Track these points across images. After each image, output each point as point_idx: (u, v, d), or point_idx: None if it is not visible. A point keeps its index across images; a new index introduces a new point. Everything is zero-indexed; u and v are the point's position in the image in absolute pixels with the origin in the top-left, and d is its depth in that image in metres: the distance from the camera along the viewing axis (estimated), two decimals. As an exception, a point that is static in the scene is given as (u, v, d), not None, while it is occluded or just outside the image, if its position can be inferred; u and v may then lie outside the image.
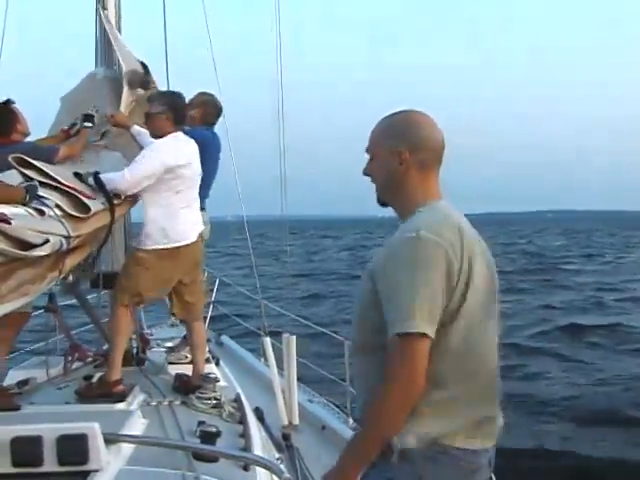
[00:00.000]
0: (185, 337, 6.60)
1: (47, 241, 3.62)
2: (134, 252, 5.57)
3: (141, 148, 5.63)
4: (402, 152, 2.74)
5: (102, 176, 5.20)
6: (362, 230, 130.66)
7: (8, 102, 5.63)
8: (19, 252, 3.27)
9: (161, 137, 5.51)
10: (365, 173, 2.91)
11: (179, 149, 5.48)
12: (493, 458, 2.82)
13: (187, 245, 5.52)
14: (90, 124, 5.74)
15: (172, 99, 5.66)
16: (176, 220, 5.45)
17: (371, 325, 2.67)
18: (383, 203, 2.90)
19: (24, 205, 4.01)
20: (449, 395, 2.62)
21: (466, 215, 2.85)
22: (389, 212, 2.94)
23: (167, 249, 5.43)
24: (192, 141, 5.64)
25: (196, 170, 5.61)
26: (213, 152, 6.54)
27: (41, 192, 4.23)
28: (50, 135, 5.98)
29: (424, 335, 2.47)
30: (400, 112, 2.83)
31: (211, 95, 6.90)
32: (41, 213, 3.93)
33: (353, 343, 2.90)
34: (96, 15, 6.62)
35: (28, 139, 5.65)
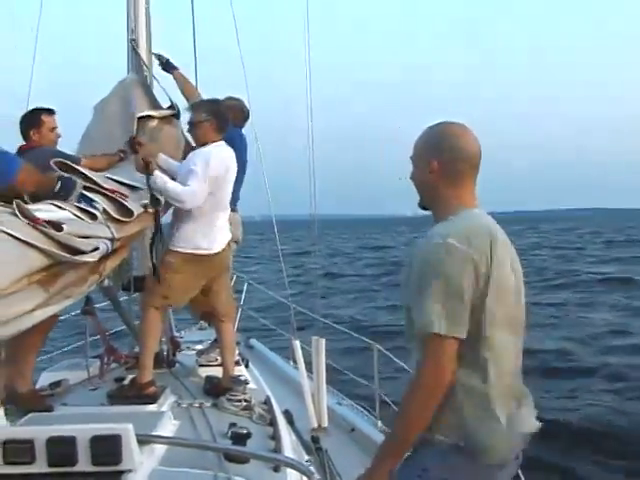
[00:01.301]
0: (215, 340, 6.66)
1: (96, 248, 3.68)
2: (164, 255, 5.62)
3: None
4: (431, 162, 2.90)
5: (170, 184, 5.28)
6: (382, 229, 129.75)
7: (35, 111, 5.70)
8: (69, 256, 3.32)
9: (204, 145, 5.56)
10: (411, 178, 3.07)
11: (225, 159, 5.55)
12: (520, 452, 2.93)
13: (217, 253, 5.59)
14: (123, 155, 5.75)
15: (215, 107, 5.70)
16: (210, 227, 5.51)
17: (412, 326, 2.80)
18: (423, 207, 3.07)
19: (55, 195, 4.05)
20: (482, 392, 2.74)
21: (498, 214, 2.97)
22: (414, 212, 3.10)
23: (197, 255, 5.48)
24: (230, 148, 5.69)
25: (233, 177, 5.67)
26: (242, 154, 6.57)
27: (90, 195, 4.27)
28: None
29: (450, 337, 2.64)
30: (439, 124, 2.98)
31: (238, 100, 6.95)
32: (93, 217, 3.97)
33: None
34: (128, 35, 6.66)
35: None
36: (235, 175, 5.71)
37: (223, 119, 5.67)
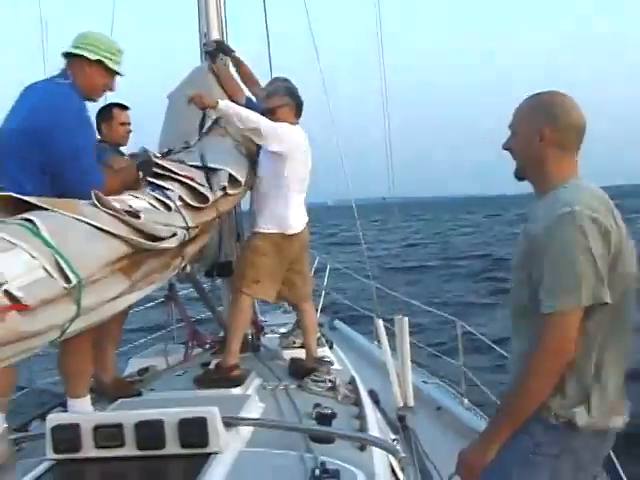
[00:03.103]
0: (297, 322, 6.71)
1: (174, 234, 3.72)
2: (250, 239, 5.69)
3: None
4: (543, 129, 2.86)
5: (241, 108, 5.40)
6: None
7: (109, 104, 5.77)
8: (149, 243, 3.37)
9: None
10: (505, 147, 3.05)
11: (294, 136, 5.56)
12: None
13: (299, 233, 5.62)
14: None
15: (293, 92, 5.72)
16: (291, 207, 5.55)
17: (527, 291, 2.80)
18: (520, 177, 3.04)
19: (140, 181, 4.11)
20: (603, 367, 2.76)
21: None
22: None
23: (282, 234, 5.52)
24: (303, 132, 5.70)
25: (304, 158, 5.66)
26: None
27: (164, 184, 4.31)
28: None
29: (579, 307, 2.62)
30: (545, 92, 2.96)
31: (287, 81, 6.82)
32: (167, 207, 4.02)
33: (511, 306, 3.02)
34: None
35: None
36: (310, 159, 5.72)
37: (299, 104, 5.72)
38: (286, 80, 5.92)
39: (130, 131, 5.85)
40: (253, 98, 6.27)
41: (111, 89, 4.47)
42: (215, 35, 6.57)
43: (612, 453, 3.56)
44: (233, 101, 5.96)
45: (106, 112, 5.70)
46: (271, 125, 5.37)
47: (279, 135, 5.39)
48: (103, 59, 4.28)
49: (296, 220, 5.62)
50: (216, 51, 6.39)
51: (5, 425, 4.00)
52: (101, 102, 5.32)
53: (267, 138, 5.35)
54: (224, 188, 4.89)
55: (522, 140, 2.95)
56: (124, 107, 5.83)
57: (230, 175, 5.06)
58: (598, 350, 2.73)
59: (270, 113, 5.65)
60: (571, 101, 2.91)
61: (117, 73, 4.40)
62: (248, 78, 6.42)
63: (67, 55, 4.34)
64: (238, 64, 6.46)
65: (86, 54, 4.27)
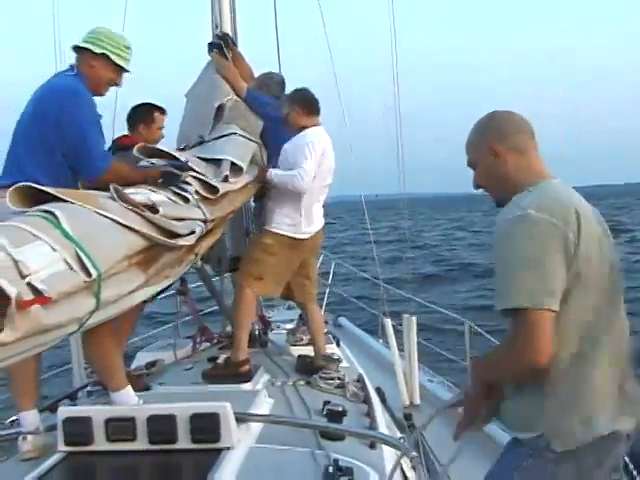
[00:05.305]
0: (301, 317, 6.71)
1: (193, 232, 3.71)
2: (261, 236, 5.66)
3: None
4: (493, 147, 2.81)
5: (276, 173, 5.42)
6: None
7: (150, 105, 5.68)
8: (168, 240, 3.36)
9: (300, 131, 5.59)
10: (476, 186, 2.98)
11: (321, 141, 5.54)
12: (632, 432, 2.80)
13: (311, 237, 5.60)
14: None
15: (294, 95, 5.74)
16: (309, 212, 5.53)
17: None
18: (501, 204, 2.88)
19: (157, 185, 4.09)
20: (585, 374, 2.63)
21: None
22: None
23: (295, 239, 5.50)
24: (325, 134, 5.69)
25: (328, 163, 5.65)
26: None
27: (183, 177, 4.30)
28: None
29: (545, 309, 2.50)
30: (482, 117, 2.92)
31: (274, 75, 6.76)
32: (185, 200, 4.00)
33: None
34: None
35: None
36: (332, 164, 5.70)
37: (305, 103, 5.69)
38: (270, 74, 5.98)
39: (163, 136, 5.73)
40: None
41: (117, 84, 4.48)
42: (227, 29, 6.56)
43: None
44: (235, 90, 6.03)
45: (147, 113, 5.59)
46: (301, 175, 5.33)
47: (309, 172, 5.35)
48: (108, 53, 4.30)
49: (310, 225, 5.58)
50: (218, 43, 6.38)
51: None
52: (134, 99, 5.26)
53: (307, 185, 5.37)
54: (226, 177, 4.86)
55: (481, 167, 2.90)
56: (163, 111, 5.73)
57: (232, 163, 5.04)
58: (573, 358, 2.62)
59: (285, 123, 5.72)
60: (506, 112, 2.89)
61: (123, 69, 4.41)
62: (245, 73, 6.38)
63: (76, 49, 4.36)
64: (235, 58, 6.42)
65: (91, 47, 4.29)
